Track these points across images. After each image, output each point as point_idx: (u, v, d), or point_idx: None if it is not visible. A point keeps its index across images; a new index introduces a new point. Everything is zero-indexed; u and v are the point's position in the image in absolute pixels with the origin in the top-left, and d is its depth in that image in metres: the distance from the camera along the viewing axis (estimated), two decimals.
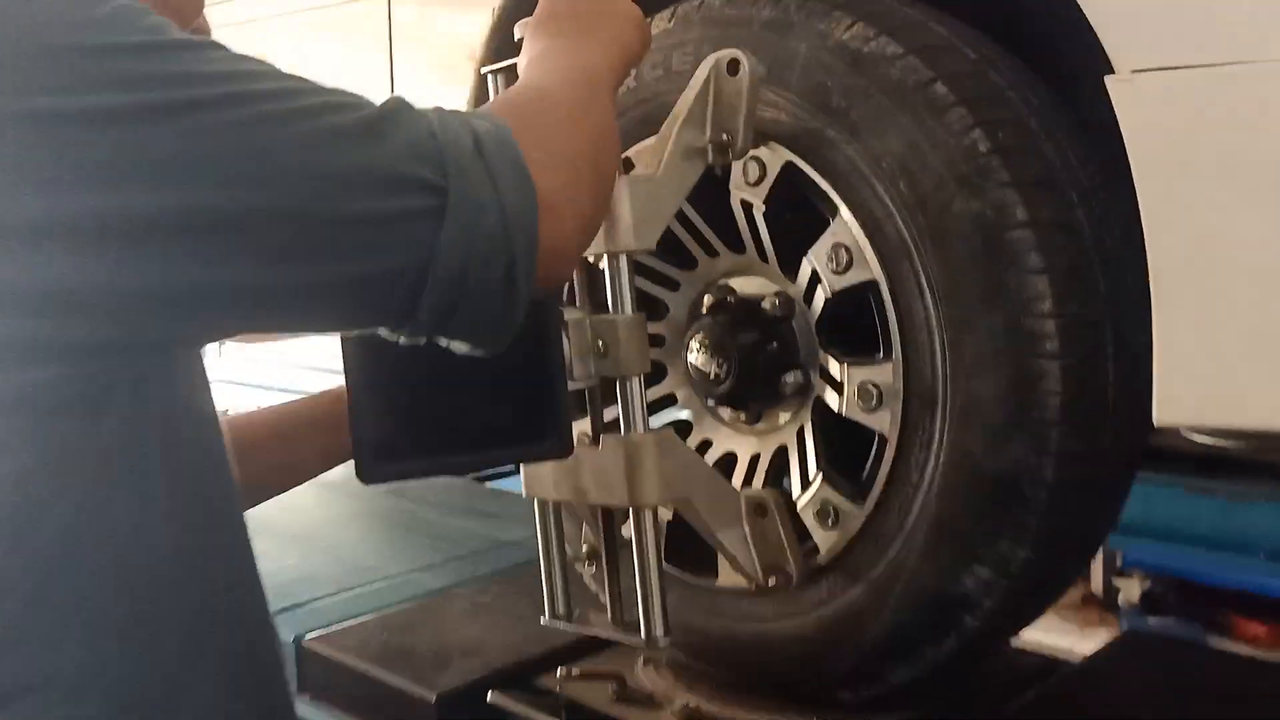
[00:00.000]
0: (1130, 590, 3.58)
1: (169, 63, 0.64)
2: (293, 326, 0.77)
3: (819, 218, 1.20)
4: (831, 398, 1.23)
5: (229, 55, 0.67)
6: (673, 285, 1.40)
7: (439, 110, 0.72)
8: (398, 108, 0.70)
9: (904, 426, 1.14)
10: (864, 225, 1.14)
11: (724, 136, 1.13)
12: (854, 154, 1.13)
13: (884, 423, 1.16)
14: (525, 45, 0.97)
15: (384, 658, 1.52)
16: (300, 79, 0.69)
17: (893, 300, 1.13)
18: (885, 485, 1.16)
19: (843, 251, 1.16)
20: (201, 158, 0.62)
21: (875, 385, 1.16)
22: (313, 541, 2.02)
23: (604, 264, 1.11)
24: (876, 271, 1.14)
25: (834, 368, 1.22)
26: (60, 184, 0.59)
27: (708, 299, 1.37)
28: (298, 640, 1.61)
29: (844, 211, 1.15)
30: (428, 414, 1.00)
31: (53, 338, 0.62)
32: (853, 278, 1.16)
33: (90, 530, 0.68)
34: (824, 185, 1.17)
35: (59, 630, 0.67)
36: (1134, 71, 1.00)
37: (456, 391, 1.00)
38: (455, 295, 0.70)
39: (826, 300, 1.20)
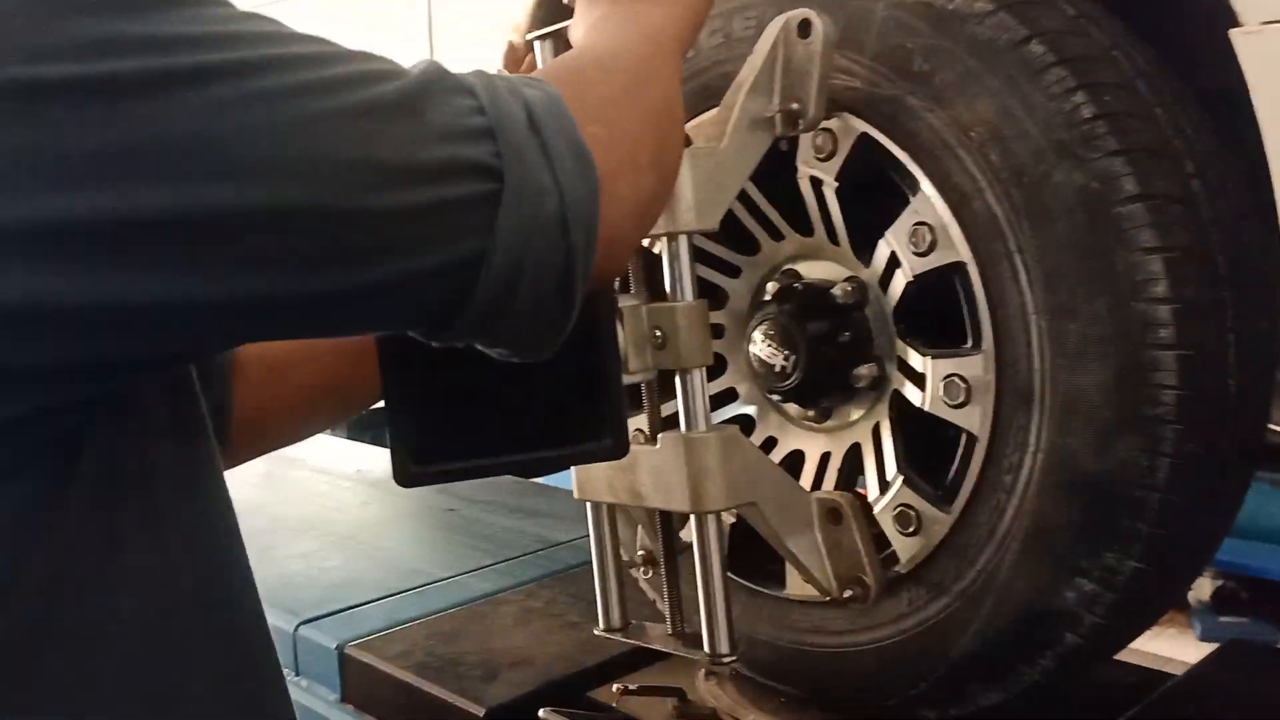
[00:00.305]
0: (1201, 589, 3.43)
1: (150, 23, 0.50)
2: (305, 336, 0.67)
3: (897, 195, 1.09)
4: (912, 392, 1.12)
5: (230, 13, 0.54)
6: (733, 271, 1.30)
7: (481, 75, 0.61)
8: (438, 75, 0.59)
9: (996, 424, 1.03)
10: (949, 202, 1.03)
11: (793, 106, 1.02)
12: (938, 123, 1.02)
13: (973, 420, 1.05)
14: (578, 9, 0.87)
15: (429, 668, 1.44)
16: (320, 41, 0.57)
17: (983, 284, 1.02)
18: (974, 489, 1.05)
19: (925, 231, 1.05)
20: (198, 143, 0.49)
21: (963, 379, 1.05)
22: (357, 542, 1.95)
23: (661, 247, 1.01)
24: (964, 252, 1.03)
25: (915, 360, 1.12)
26: (17, 180, 0.47)
27: (772, 286, 1.27)
28: (340, 648, 1.53)
29: (926, 187, 1.04)
30: (469, 412, 0.92)
31: (16, 362, 0.51)
32: (936, 260, 1.05)
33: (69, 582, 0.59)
34: (904, 158, 1.06)
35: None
36: (1264, 23, 0.88)
37: (500, 387, 0.92)
38: (506, 295, 0.60)
39: (906, 285, 1.09)
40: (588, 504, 1.17)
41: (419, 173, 0.55)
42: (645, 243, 1.11)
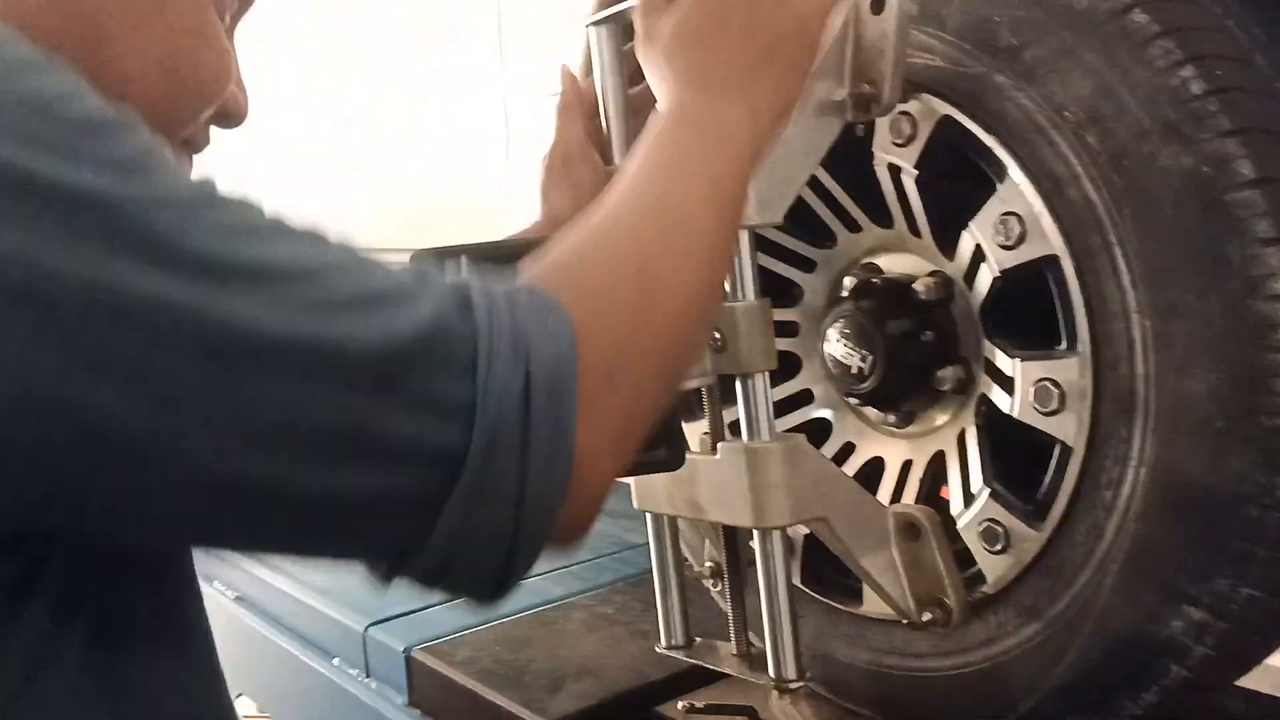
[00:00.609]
0: None
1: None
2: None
3: (984, 182, 1.00)
4: (1000, 397, 1.03)
5: (173, 192, 0.48)
6: (807, 265, 1.22)
7: (492, 311, 0.53)
8: (438, 319, 0.51)
9: (1094, 434, 0.93)
10: (1041, 189, 0.93)
11: (866, 88, 0.94)
12: (1028, 103, 0.93)
13: (1067, 429, 0.95)
14: (651, 75, 0.78)
15: (495, 675, 1.40)
16: (304, 245, 0.51)
17: (1079, 280, 0.92)
18: (1069, 505, 0.96)
19: (1013, 222, 0.96)
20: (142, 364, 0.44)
21: (1056, 383, 0.96)
22: None
23: None
24: (1057, 245, 0.93)
25: (1003, 361, 1.02)
26: None
27: (849, 281, 1.19)
28: (408, 651, 1.50)
29: (1015, 173, 0.95)
30: None
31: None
32: (1026, 253, 0.96)
33: None
34: (990, 142, 0.96)
35: None
36: None
37: None
38: (440, 571, 0.55)
39: (993, 281, 1.00)
40: (647, 514, 1.11)
41: (367, 448, 0.49)
42: None
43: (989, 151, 0.97)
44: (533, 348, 0.53)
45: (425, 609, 1.62)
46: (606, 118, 1.04)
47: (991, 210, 0.98)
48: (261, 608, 1.87)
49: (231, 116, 0.72)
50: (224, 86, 0.69)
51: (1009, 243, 0.97)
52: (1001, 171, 0.96)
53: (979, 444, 1.06)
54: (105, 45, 0.61)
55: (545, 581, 1.73)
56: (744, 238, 0.93)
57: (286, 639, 1.76)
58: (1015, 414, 1.00)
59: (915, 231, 1.10)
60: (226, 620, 1.92)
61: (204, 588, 1.92)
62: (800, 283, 1.23)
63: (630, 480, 1.05)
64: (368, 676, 1.58)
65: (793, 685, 1.02)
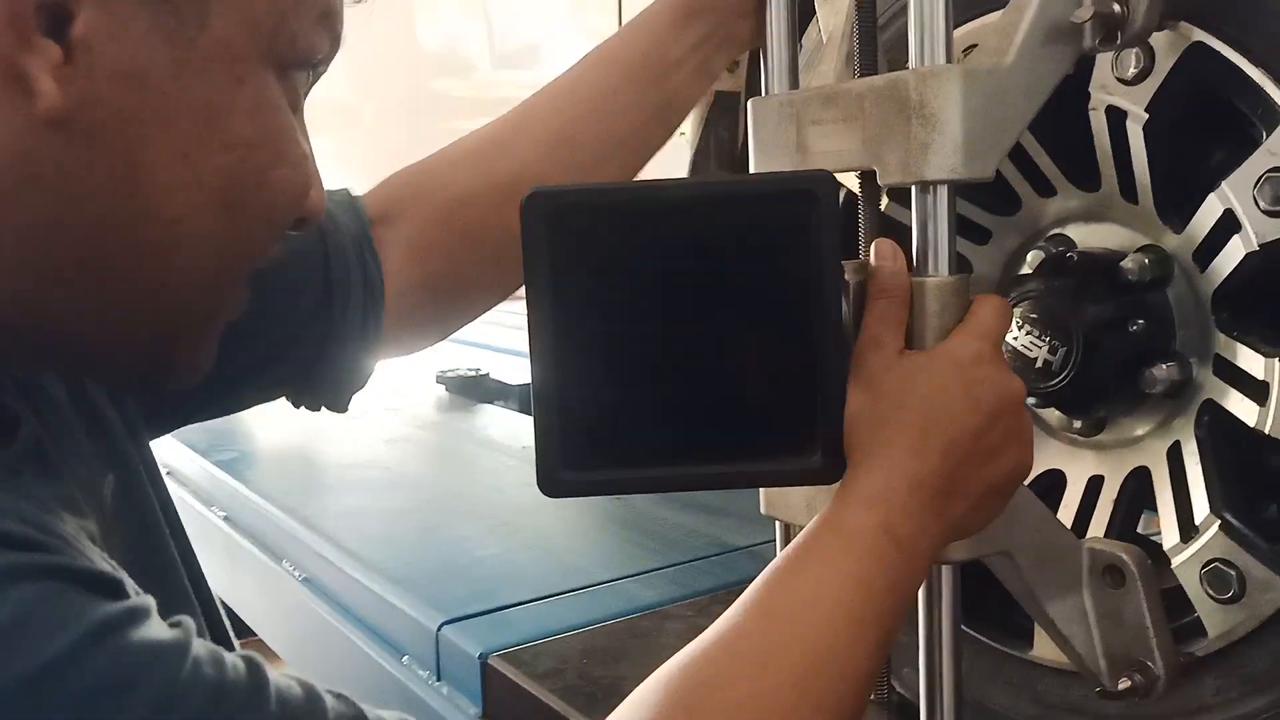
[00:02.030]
0: None
1: None
2: None
3: (1236, 135, 0.79)
4: (1237, 404, 0.82)
5: None
6: (980, 234, 1.02)
7: None
8: None
9: None
10: None
11: (1114, 8, 0.73)
12: None
13: None
14: (859, 446, 0.66)
15: (580, 693, 1.22)
16: None
17: None
18: None
19: None
20: None
21: None
22: (514, 530, 1.77)
23: (912, 199, 0.75)
24: None
25: (1247, 360, 0.81)
26: None
27: (1033, 255, 0.98)
28: (484, 657, 1.34)
29: None
30: (638, 407, 0.69)
31: None
32: None
33: None
34: (1259, 78, 0.75)
35: None
36: None
37: (681, 378, 0.69)
38: None
39: (1246, 257, 0.79)
40: (776, 522, 0.92)
41: None
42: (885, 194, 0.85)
43: (1256, 90, 0.76)
44: None
45: (506, 608, 1.46)
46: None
47: (1256, 165, 0.76)
48: (330, 593, 1.73)
49: (307, 222, 0.59)
50: (302, 202, 0.56)
51: (1277, 208, 0.75)
52: (1274, 116, 0.75)
53: (1204, 463, 0.85)
54: (144, 187, 0.48)
55: (637, 585, 1.55)
56: (943, 195, 0.74)
57: (355, 630, 1.61)
58: (1266, 429, 0.78)
59: (1130, 195, 0.89)
60: (295, 604, 1.79)
61: (273, 566, 1.78)
62: (969, 256, 1.02)
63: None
64: (439, 680, 1.42)
65: None
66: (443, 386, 3.01)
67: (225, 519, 2.10)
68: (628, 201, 0.70)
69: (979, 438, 0.66)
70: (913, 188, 0.74)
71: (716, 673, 0.56)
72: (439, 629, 1.43)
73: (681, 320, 0.69)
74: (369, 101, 2.15)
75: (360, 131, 2.19)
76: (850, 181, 0.88)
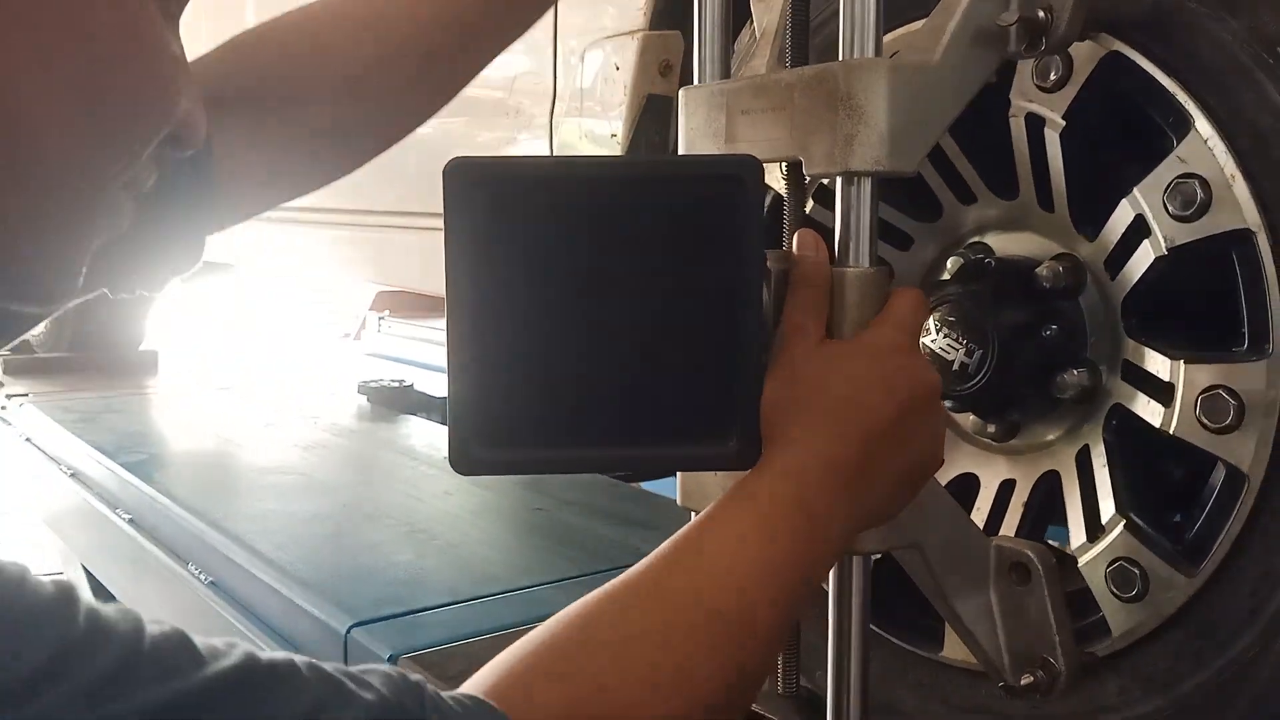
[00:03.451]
0: None
1: None
2: None
3: (1148, 143, 0.81)
4: (1144, 407, 0.84)
5: None
6: (903, 241, 1.03)
7: None
8: None
9: (1278, 459, 0.74)
10: (1236, 147, 0.74)
11: (1040, 14, 0.75)
12: (1228, 37, 0.74)
13: (1242, 451, 0.76)
14: (777, 431, 0.66)
15: None
16: None
17: (1276, 263, 0.73)
18: (1235, 546, 0.76)
19: (1194, 187, 0.77)
20: None
21: (1231, 393, 0.76)
22: (430, 537, 1.74)
23: (835, 190, 0.75)
24: (1251, 217, 0.74)
25: (1155, 364, 0.83)
26: None
27: (952, 262, 1.00)
28: (393, 659, 1.31)
29: (1203, 126, 0.76)
30: (555, 387, 0.68)
31: None
32: (1208, 226, 0.77)
33: None
34: (1171, 87, 0.78)
35: None
36: None
37: (599, 359, 0.68)
38: None
39: (1154, 261, 0.81)
40: (692, 514, 0.92)
41: None
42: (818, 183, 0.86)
43: (1168, 99, 0.78)
44: None
45: (417, 612, 1.43)
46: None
47: (1166, 172, 0.79)
48: (237, 597, 1.68)
49: (184, 142, 0.54)
50: (171, 107, 0.52)
51: (1184, 213, 0.78)
52: (1183, 125, 0.78)
53: (1110, 465, 0.87)
54: (3, 97, 0.44)
55: (553, 591, 1.53)
56: (866, 188, 0.75)
57: (262, 634, 1.57)
58: (1172, 429, 0.80)
59: (1046, 204, 0.91)
60: (199, 607, 1.73)
61: (178, 570, 1.71)
62: (890, 261, 1.03)
63: (678, 475, 0.85)
64: None
65: None
66: (364, 397, 2.96)
67: (130, 521, 2.03)
68: (550, 175, 0.69)
69: (894, 425, 0.67)
70: (837, 179, 0.75)
71: (615, 608, 0.55)
72: (348, 631, 1.39)
73: (602, 299, 0.68)
74: None
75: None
76: (775, 182, 0.88)
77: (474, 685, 0.52)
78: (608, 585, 0.58)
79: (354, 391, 2.98)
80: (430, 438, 2.53)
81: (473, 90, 1.62)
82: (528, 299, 0.68)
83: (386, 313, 4.89)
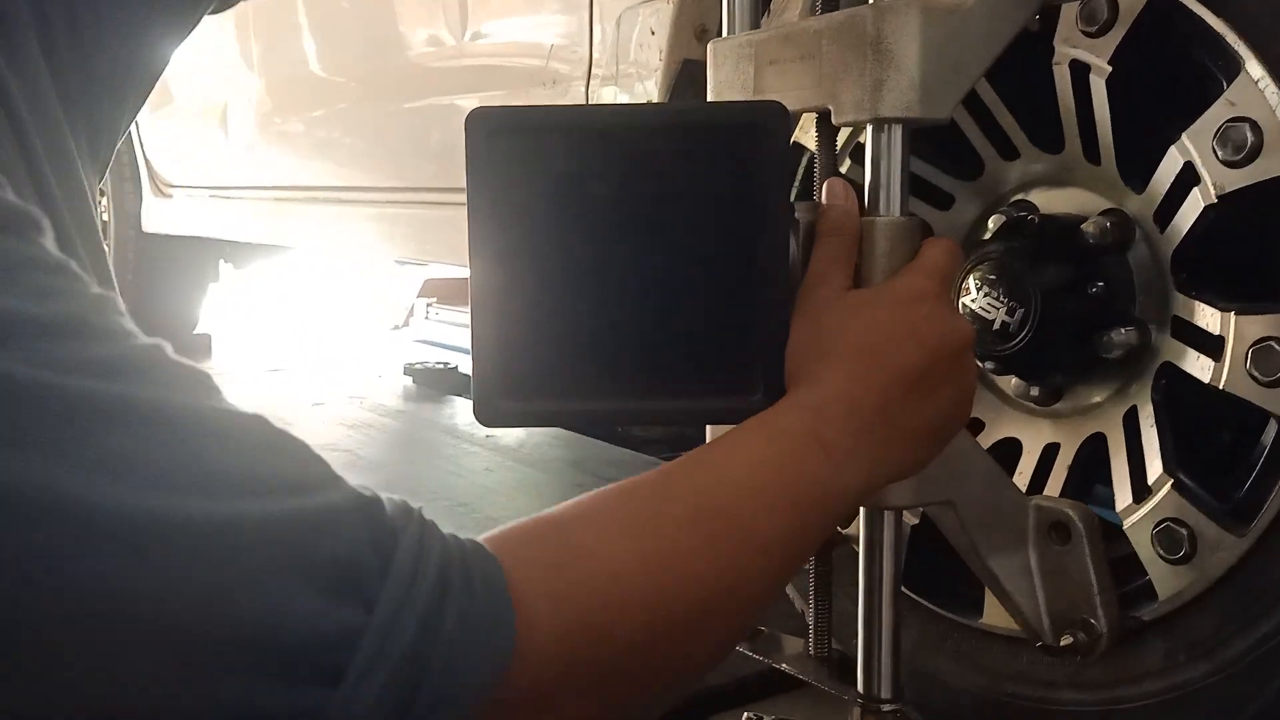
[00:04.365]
0: None
1: None
2: None
3: (1203, 86, 0.78)
4: (1193, 364, 0.81)
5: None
6: (944, 200, 1.00)
7: (411, 588, 0.43)
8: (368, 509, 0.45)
9: None
10: None
11: None
12: None
13: None
14: (801, 377, 0.64)
15: None
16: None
17: None
18: None
19: (1244, 131, 0.74)
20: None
21: None
22: (471, 511, 1.74)
23: (866, 138, 0.73)
24: None
25: (1204, 318, 0.80)
26: None
27: (994, 220, 0.97)
28: None
29: (1253, 68, 0.73)
30: (578, 339, 0.67)
31: None
32: (1259, 171, 0.74)
33: None
34: (1220, 28, 0.74)
35: None
36: None
37: (622, 311, 0.67)
38: None
39: (1204, 210, 0.78)
40: None
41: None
42: (843, 133, 0.84)
43: (1217, 41, 0.75)
44: (433, 663, 0.43)
45: None
46: None
47: (1214, 116, 0.75)
48: None
49: None
50: None
51: (1234, 158, 0.74)
52: (1232, 67, 0.74)
53: (1159, 424, 0.84)
54: None
55: None
56: (898, 135, 0.72)
57: None
58: (1221, 384, 0.77)
59: (1093, 157, 0.88)
60: None
61: None
62: (931, 222, 1.01)
63: (708, 430, 0.84)
64: None
65: (886, 707, 0.81)
66: (410, 378, 2.98)
67: None
68: (572, 123, 0.68)
69: (921, 374, 0.64)
70: (867, 127, 0.73)
71: (615, 498, 0.55)
72: None
73: (625, 250, 0.67)
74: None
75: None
76: (809, 140, 0.87)
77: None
78: (613, 484, 0.57)
79: (400, 374, 3.00)
80: (471, 416, 2.54)
81: (510, 60, 1.61)
82: (550, 250, 0.67)
83: (434, 299, 4.92)
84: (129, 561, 0.38)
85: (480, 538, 0.50)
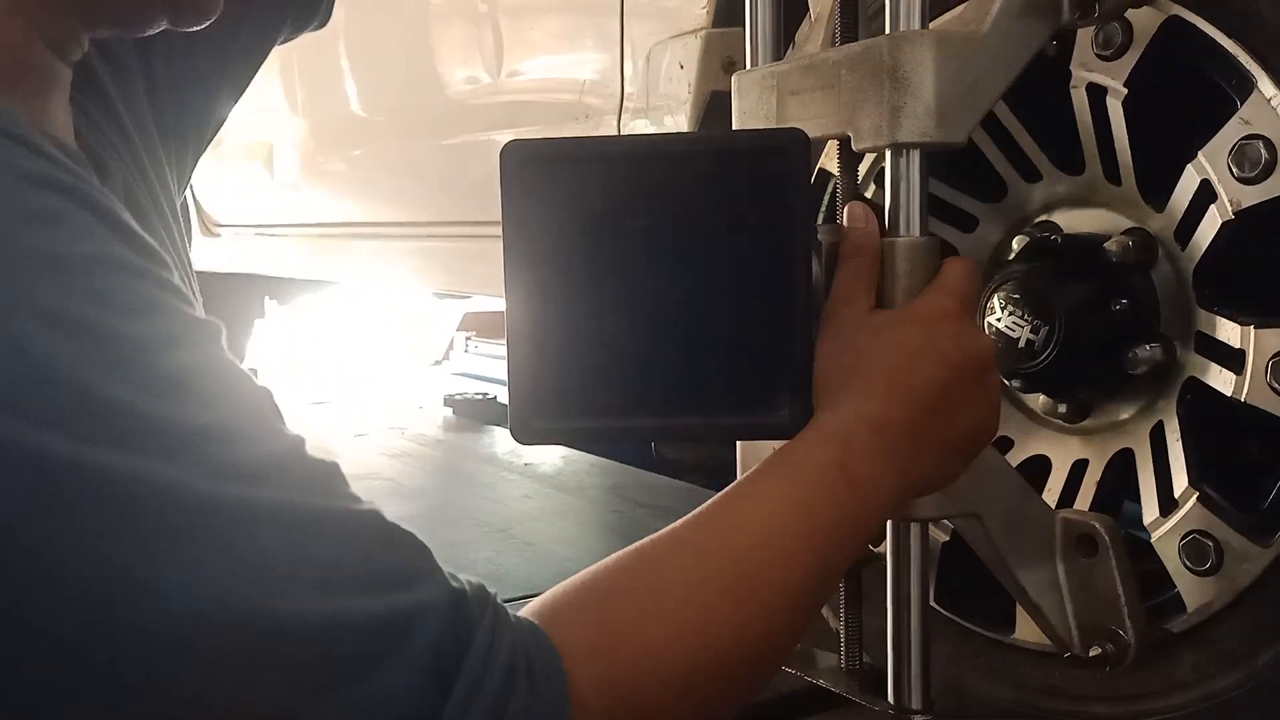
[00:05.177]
0: None
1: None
2: None
3: (1212, 108, 0.80)
4: (1219, 378, 0.82)
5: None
6: (967, 223, 1.02)
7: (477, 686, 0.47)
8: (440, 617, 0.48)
9: None
10: None
11: None
12: None
13: None
14: (825, 399, 0.66)
15: None
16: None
17: None
18: None
19: (1258, 148, 0.75)
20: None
21: None
22: (509, 536, 1.77)
23: (885, 163, 0.76)
24: None
25: (1226, 332, 0.81)
26: None
27: (1018, 241, 0.99)
28: None
29: (1266, 86, 0.75)
30: (610, 360, 0.70)
31: None
32: (1276, 187, 0.75)
33: None
34: (1232, 49, 0.76)
35: None
36: None
37: (652, 332, 0.69)
38: None
39: (1222, 226, 0.79)
40: None
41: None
42: (866, 160, 0.86)
43: (1230, 61, 0.77)
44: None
45: None
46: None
47: (1229, 135, 0.77)
48: None
49: (198, 12, 0.58)
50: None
51: (1249, 174, 0.76)
52: (1245, 86, 0.76)
53: (1184, 438, 0.85)
54: None
55: None
56: (915, 160, 0.75)
57: None
58: (1244, 397, 0.78)
59: (1114, 178, 0.90)
60: None
61: None
62: (956, 245, 1.03)
63: (738, 447, 0.86)
64: None
65: (916, 718, 0.82)
66: (450, 409, 3.02)
67: None
68: (602, 152, 0.71)
69: (945, 392, 0.66)
70: (886, 152, 0.75)
71: (644, 562, 0.56)
72: None
73: (654, 273, 0.70)
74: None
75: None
76: (832, 165, 0.89)
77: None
78: (644, 540, 0.59)
79: (440, 405, 3.05)
80: (511, 445, 2.58)
81: (544, 96, 1.65)
82: (582, 273, 0.69)
83: (473, 333, 4.99)
84: (258, 659, 0.43)
85: (531, 610, 0.53)
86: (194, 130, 0.77)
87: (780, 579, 0.57)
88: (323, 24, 0.88)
